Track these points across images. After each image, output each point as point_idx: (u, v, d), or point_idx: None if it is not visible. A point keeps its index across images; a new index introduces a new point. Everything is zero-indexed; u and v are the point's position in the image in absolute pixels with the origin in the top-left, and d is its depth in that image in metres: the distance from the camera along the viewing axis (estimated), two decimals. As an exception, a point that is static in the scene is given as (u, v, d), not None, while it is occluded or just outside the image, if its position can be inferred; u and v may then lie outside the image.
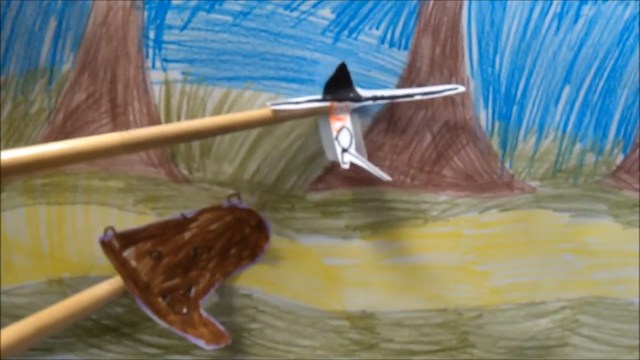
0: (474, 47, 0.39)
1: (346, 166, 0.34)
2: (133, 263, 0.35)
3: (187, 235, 0.36)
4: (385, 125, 0.39)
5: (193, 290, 0.36)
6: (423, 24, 0.38)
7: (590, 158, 0.40)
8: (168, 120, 0.39)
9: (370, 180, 0.40)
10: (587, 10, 0.38)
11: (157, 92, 0.39)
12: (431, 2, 0.38)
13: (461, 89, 0.36)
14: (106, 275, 0.40)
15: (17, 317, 0.40)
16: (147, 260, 0.35)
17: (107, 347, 0.41)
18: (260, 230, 0.37)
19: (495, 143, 0.40)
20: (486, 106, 0.39)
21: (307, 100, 0.35)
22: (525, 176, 0.40)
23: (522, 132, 0.40)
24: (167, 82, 0.38)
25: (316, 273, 0.40)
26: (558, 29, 0.39)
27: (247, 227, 0.37)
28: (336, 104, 0.35)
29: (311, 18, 0.38)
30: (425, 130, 0.40)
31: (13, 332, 0.29)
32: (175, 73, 0.38)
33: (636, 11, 0.39)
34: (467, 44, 0.39)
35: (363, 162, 0.33)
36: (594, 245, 0.41)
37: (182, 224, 0.36)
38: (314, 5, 0.38)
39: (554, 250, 0.41)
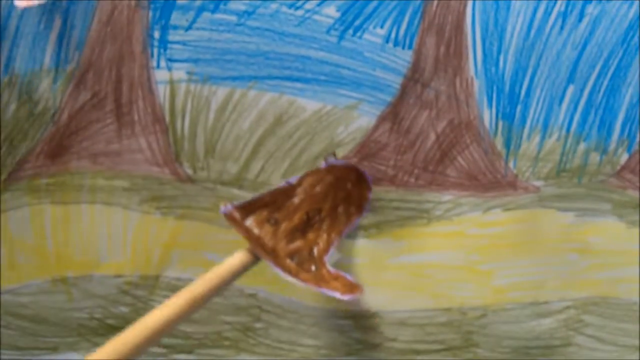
0: (478, 47, 0.39)
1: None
2: (256, 231, 0.36)
3: (296, 200, 0.37)
4: (390, 124, 0.39)
5: (315, 250, 0.37)
6: (427, 23, 0.38)
7: (595, 157, 0.40)
8: (172, 119, 0.39)
9: (374, 179, 0.40)
10: (592, 9, 0.38)
11: (162, 92, 0.39)
12: (435, 2, 0.38)
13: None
14: (111, 275, 0.40)
15: (21, 317, 0.40)
16: (267, 227, 0.36)
17: (112, 347, 0.41)
18: (362, 183, 0.38)
19: (499, 142, 0.40)
20: (490, 105, 0.39)
21: None
22: (529, 176, 0.40)
23: (526, 131, 0.40)
24: (171, 82, 0.38)
25: (321, 272, 0.40)
26: (562, 28, 0.39)
27: (349, 182, 0.38)
28: None
29: (316, 17, 0.38)
30: (429, 129, 0.40)
31: (167, 306, 0.30)
32: (180, 73, 0.38)
33: (641, 10, 0.39)
34: (471, 43, 0.39)
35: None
36: (598, 245, 0.41)
37: (289, 190, 0.37)
38: (319, 4, 0.38)
39: (558, 249, 0.41)
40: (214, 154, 0.39)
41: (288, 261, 0.36)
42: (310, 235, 0.37)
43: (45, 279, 0.40)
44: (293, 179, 0.37)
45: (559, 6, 0.38)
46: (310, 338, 0.41)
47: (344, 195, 0.37)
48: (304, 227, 0.37)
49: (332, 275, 0.36)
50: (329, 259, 0.37)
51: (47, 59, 0.38)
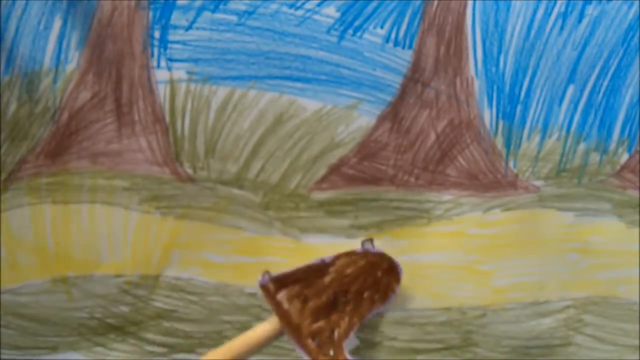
0: (478, 47, 0.39)
1: None
2: (285, 305, 0.37)
3: (326, 279, 0.37)
4: (390, 124, 0.39)
5: (336, 334, 0.37)
6: (427, 24, 0.38)
7: (595, 157, 0.40)
8: (173, 119, 0.39)
9: (374, 179, 0.40)
10: (592, 9, 0.38)
11: (162, 92, 0.39)
12: (435, 2, 0.38)
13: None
14: (111, 275, 0.40)
15: (21, 316, 0.40)
16: (296, 303, 0.37)
17: (112, 346, 0.41)
18: (392, 273, 0.38)
19: (499, 142, 0.40)
20: (490, 105, 0.39)
21: None
22: (529, 175, 0.40)
23: (526, 131, 0.40)
24: (172, 82, 0.38)
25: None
26: (562, 28, 0.39)
27: (379, 270, 0.38)
28: None
29: (316, 17, 0.38)
30: (429, 129, 0.40)
31: None
32: (180, 72, 0.38)
33: (641, 10, 0.39)
34: (471, 43, 0.39)
35: None
36: (598, 245, 0.41)
37: (321, 268, 0.37)
38: (319, 4, 0.38)
39: (558, 249, 0.41)
40: (214, 154, 0.39)
41: (309, 341, 0.36)
42: (334, 317, 0.37)
43: (46, 279, 0.40)
44: (327, 258, 0.37)
45: (559, 7, 0.38)
46: (310, 338, 0.41)
47: (372, 281, 0.38)
48: (329, 308, 0.37)
49: None
50: (348, 345, 0.37)
51: (48, 59, 0.38)
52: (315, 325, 0.37)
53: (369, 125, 0.39)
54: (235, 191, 0.40)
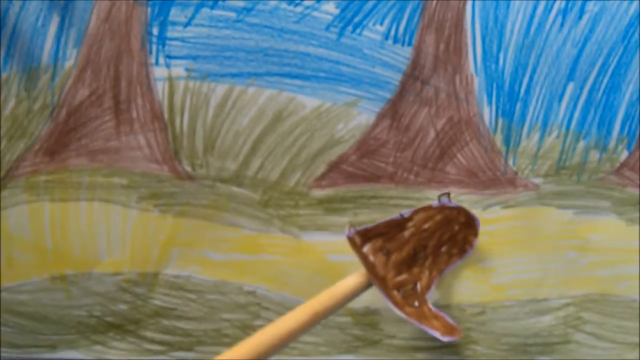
0: (477, 44, 0.39)
1: None
2: (371, 258, 0.37)
3: (406, 233, 0.38)
4: (389, 121, 0.39)
5: (419, 286, 0.38)
6: (427, 20, 0.38)
7: (594, 155, 0.40)
8: (171, 116, 0.39)
9: (373, 177, 0.40)
10: (592, 6, 0.38)
11: (161, 89, 0.38)
12: (435, -1, 0.38)
13: None
14: (110, 273, 0.40)
15: (20, 314, 0.40)
16: (380, 256, 0.37)
17: (111, 344, 0.41)
18: (469, 227, 0.38)
19: (498, 140, 0.40)
20: (490, 103, 0.39)
21: None
22: (528, 173, 0.40)
23: (525, 129, 0.40)
24: (170, 79, 0.38)
25: (320, 270, 0.40)
26: (562, 25, 0.39)
27: (456, 224, 0.38)
28: None
29: (315, 13, 0.38)
30: (428, 126, 0.40)
31: (289, 318, 0.32)
32: (178, 69, 0.38)
33: (641, 7, 0.39)
34: (470, 40, 0.39)
35: None
36: (598, 243, 0.41)
37: (401, 223, 0.38)
38: (318, 1, 0.38)
39: (557, 247, 0.41)
40: (213, 151, 0.39)
41: (395, 293, 0.37)
42: (415, 270, 0.38)
43: (44, 277, 0.40)
44: (406, 212, 0.38)
45: (559, 3, 0.38)
46: (310, 335, 0.41)
47: (449, 235, 0.38)
48: (411, 262, 0.38)
49: (433, 314, 0.37)
50: (430, 295, 0.38)
51: (46, 56, 0.38)
52: (399, 278, 0.37)
53: (368, 123, 0.39)
54: (234, 189, 0.40)
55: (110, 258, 0.40)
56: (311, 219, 0.40)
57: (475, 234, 0.38)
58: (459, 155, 0.40)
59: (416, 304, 0.37)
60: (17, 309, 0.40)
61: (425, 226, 0.38)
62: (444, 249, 0.38)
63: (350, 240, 0.37)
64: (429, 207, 0.38)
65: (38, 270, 0.40)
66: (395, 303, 0.36)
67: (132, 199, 0.39)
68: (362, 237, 0.37)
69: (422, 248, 0.38)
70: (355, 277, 0.36)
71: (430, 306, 0.37)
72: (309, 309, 0.33)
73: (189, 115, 0.39)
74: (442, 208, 0.38)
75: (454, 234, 0.38)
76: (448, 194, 0.38)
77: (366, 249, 0.37)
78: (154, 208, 0.40)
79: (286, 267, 0.40)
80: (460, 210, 0.38)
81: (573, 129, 0.40)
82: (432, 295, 0.39)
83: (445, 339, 0.35)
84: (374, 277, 0.36)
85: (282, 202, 0.40)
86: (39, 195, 0.39)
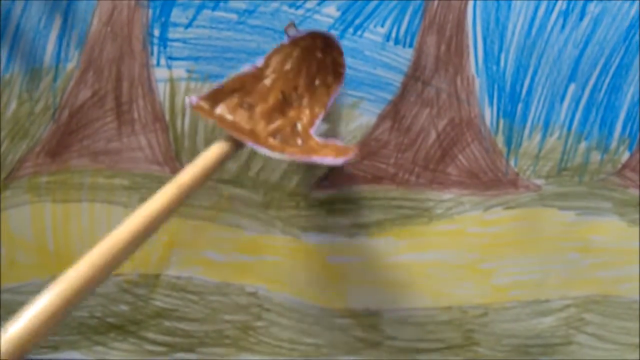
0: (479, 45, 0.39)
1: None
2: (229, 117, 0.34)
3: (267, 82, 0.35)
4: (390, 123, 0.39)
5: (299, 125, 0.35)
6: (428, 22, 0.38)
7: (596, 156, 0.40)
8: (173, 117, 0.39)
9: (375, 178, 0.40)
10: (593, 7, 0.38)
11: (162, 90, 0.39)
12: (436, 0, 0.38)
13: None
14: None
15: (22, 315, 0.40)
16: (241, 112, 0.34)
17: (112, 345, 0.41)
18: (331, 47, 0.36)
19: (500, 141, 0.40)
20: (491, 104, 0.39)
21: None
22: (530, 174, 0.40)
23: (527, 130, 0.40)
24: (171, 80, 0.38)
25: (321, 271, 0.40)
26: (563, 26, 0.39)
27: (317, 51, 0.36)
28: None
29: (316, 16, 0.38)
30: (430, 128, 0.40)
31: (156, 199, 0.29)
32: (180, 71, 0.38)
33: (642, 9, 0.39)
34: (472, 41, 0.39)
35: None
36: (599, 244, 0.41)
37: (257, 73, 0.35)
38: (319, 3, 0.38)
39: (559, 248, 0.41)
40: (215, 153, 0.39)
41: (271, 139, 0.34)
42: (291, 114, 0.35)
43: (46, 278, 0.40)
44: (258, 62, 0.35)
45: (560, 5, 0.38)
46: (311, 337, 0.41)
47: (316, 66, 0.36)
48: (283, 107, 0.35)
49: (321, 144, 0.34)
50: (317, 131, 0.36)
51: (48, 58, 0.38)
52: (273, 126, 0.35)
53: (369, 124, 0.39)
54: (236, 190, 0.40)
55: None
56: (312, 220, 0.40)
57: (341, 53, 0.36)
58: (460, 157, 0.40)
59: (300, 142, 0.34)
60: (18, 310, 0.40)
61: (287, 67, 0.35)
62: (317, 82, 0.36)
63: (197, 108, 0.33)
64: (282, 47, 0.36)
65: (39, 271, 0.40)
66: (273, 148, 0.33)
67: (134, 200, 0.40)
68: (211, 101, 0.34)
69: (293, 89, 0.35)
70: (219, 143, 0.32)
71: (318, 138, 0.34)
72: (172, 184, 0.30)
73: (190, 117, 0.39)
74: (295, 42, 0.36)
75: (321, 62, 0.36)
76: (293, 24, 0.36)
77: (220, 110, 0.34)
78: (155, 209, 0.40)
79: (287, 268, 0.40)
80: (314, 35, 0.36)
81: (574, 130, 0.40)
82: (322, 128, 0.36)
83: (339, 160, 0.32)
84: (240, 134, 0.33)
85: (284, 203, 0.40)
86: (41, 196, 0.39)
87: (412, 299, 0.41)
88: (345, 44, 0.38)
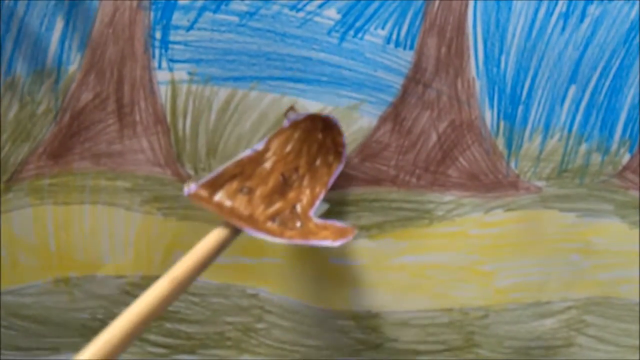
0: (479, 47, 0.39)
1: None
2: (228, 203, 0.34)
3: (267, 165, 0.35)
4: (391, 125, 0.39)
5: (298, 207, 0.35)
6: (429, 24, 0.38)
7: (596, 158, 0.40)
8: (174, 120, 0.39)
9: (375, 180, 0.40)
10: (593, 9, 0.38)
11: (164, 93, 0.39)
12: (437, 2, 0.38)
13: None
14: (113, 276, 0.40)
15: (23, 317, 0.40)
16: (240, 197, 0.34)
17: (114, 347, 0.41)
18: (331, 128, 0.36)
19: (500, 143, 0.40)
20: (491, 106, 0.39)
21: None
22: (530, 176, 0.40)
23: (527, 132, 0.40)
24: (173, 82, 0.38)
25: (322, 273, 0.40)
26: (564, 28, 0.39)
27: (318, 132, 0.36)
28: None
29: (317, 18, 0.38)
30: (430, 130, 0.40)
31: (150, 294, 0.30)
32: (181, 73, 0.38)
33: (642, 11, 0.39)
34: (472, 43, 0.39)
35: None
36: (600, 246, 0.41)
37: (256, 158, 0.35)
38: (320, 6, 0.38)
39: (560, 250, 0.41)
40: (216, 155, 0.39)
41: (269, 224, 0.34)
42: (291, 195, 0.36)
43: (48, 280, 0.40)
44: (258, 145, 0.36)
45: (561, 7, 0.38)
46: (312, 338, 0.41)
47: (317, 147, 0.36)
48: (283, 189, 0.35)
49: (320, 226, 0.34)
50: (318, 212, 0.36)
51: (49, 60, 0.38)
52: (272, 209, 0.35)
53: (370, 126, 0.39)
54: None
55: (113, 261, 0.40)
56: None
57: (340, 133, 0.36)
58: (460, 159, 0.40)
59: (298, 224, 0.35)
60: (20, 312, 0.41)
61: (287, 149, 0.36)
62: (318, 162, 0.36)
63: (195, 197, 0.33)
64: (282, 130, 0.36)
65: (41, 273, 0.40)
66: (272, 233, 0.33)
67: (136, 202, 0.40)
68: (210, 188, 0.34)
69: (294, 171, 0.36)
70: (217, 230, 0.33)
71: (317, 220, 0.35)
72: (167, 277, 0.30)
73: (192, 119, 0.39)
74: (295, 124, 0.36)
75: (322, 143, 0.36)
76: (292, 107, 0.36)
77: (219, 196, 0.34)
78: (157, 211, 0.40)
79: (288, 270, 0.40)
80: (314, 118, 0.36)
81: (575, 131, 0.40)
82: (322, 208, 0.36)
83: (338, 243, 0.32)
84: (238, 220, 0.33)
85: (285, 205, 0.40)
86: (43, 198, 0.39)
87: (413, 300, 0.41)
88: (346, 46, 0.38)
